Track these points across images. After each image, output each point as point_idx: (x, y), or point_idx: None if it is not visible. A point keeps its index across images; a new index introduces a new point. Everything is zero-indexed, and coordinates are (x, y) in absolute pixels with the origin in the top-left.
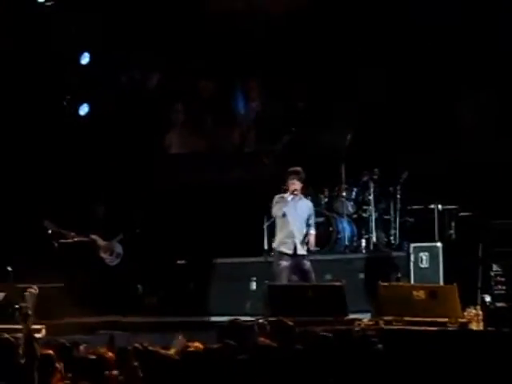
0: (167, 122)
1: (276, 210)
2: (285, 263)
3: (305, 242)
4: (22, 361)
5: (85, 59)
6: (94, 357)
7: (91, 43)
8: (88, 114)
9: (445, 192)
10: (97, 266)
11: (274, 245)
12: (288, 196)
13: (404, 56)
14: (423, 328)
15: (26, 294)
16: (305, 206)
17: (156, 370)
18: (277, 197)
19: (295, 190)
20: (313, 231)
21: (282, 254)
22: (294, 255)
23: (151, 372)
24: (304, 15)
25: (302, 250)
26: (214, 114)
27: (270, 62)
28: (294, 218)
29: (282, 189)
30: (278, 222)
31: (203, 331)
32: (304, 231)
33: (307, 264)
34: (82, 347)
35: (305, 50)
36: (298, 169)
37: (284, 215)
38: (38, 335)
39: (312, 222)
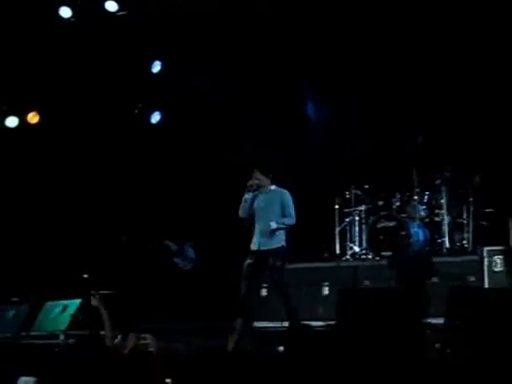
0: (240, 132)
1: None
2: (248, 261)
3: (274, 234)
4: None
5: (156, 68)
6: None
7: (163, 52)
8: (160, 122)
9: None
10: (170, 271)
11: None
12: (247, 194)
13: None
14: (497, 331)
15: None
16: (272, 198)
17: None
18: None
19: (250, 185)
20: (288, 221)
21: (250, 252)
22: (258, 251)
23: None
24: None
25: (266, 246)
26: (285, 121)
27: (340, 66)
28: (256, 213)
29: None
30: None
31: (277, 336)
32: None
33: (271, 260)
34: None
35: (374, 51)
36: (260, 161)
37: (247, 215)
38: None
39: (288, 212)
